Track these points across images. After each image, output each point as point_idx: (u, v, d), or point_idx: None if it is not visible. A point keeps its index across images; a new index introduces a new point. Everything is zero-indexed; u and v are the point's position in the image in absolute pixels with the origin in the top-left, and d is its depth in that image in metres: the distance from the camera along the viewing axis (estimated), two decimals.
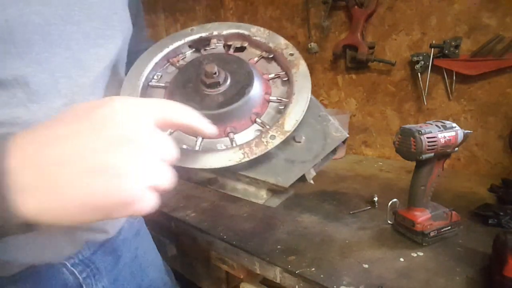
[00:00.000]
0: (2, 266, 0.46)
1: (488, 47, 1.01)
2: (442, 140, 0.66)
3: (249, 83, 0.48)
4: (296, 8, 1.41)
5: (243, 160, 0.43)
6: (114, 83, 0.51)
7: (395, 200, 0.79)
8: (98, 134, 0.28)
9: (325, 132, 0.50)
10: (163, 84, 0.52)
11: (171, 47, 0.54)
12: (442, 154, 0.69)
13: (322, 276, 0.62)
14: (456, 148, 0.70)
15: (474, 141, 1.10)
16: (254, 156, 0.43)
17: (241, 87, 0.47)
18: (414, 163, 0.71)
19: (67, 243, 0.51)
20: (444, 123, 0.69)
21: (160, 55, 0.53)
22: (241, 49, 0.56)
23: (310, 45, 1.33)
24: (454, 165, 1.16)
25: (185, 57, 0.55)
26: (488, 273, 0.60)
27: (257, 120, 0.48)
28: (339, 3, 1.27)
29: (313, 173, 0.50)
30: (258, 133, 0.47)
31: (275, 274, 0.68)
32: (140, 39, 0.60)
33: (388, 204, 0.79)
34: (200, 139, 0.47)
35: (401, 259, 0.66)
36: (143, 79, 0.50)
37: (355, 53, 1.23)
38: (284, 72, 0.53)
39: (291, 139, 0.47)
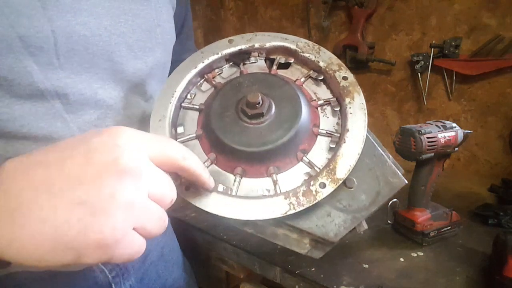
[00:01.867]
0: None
1: (488, 47, 1.01)
2: (442, 140, 0.66)
3: (296, 114, 0.41)
4: (296, 8, 1.41)
5: (288, 213, 0.37)
6: (151, 95, 0.51)
7: (395, 200, 0.79)
8: (86, 162, 0.25)
9: (379, 176, 0.42)
10: (197, 106, 0.46)
11: (206, 62, 0.47)
12: (442, 154, 0.69)
13: (322, 276, 0.62)
14: (456, 148, 0.70)
15: (474, 141, 1.10)
16: (301, 208, 0.38)
17: (287, 119, 0.41)
18: (414, 163, 0.71)
19: None
20: (444, 123, 0.69)
21: (194, 71, 0.47)
22: (286, 65, 0.48)
23: None
24: (454, 165, 1.16)
25: (221, 72, 0.49)
26: (488, 273, 0.60)
27: (304, 158, 0.41)
28: (339, 3, 1.26)
29: (365, 226, 0.43)
30: (306, 177, 0.41)
31: (275, 274, 0.68)
32: (183, 49, 0.57)
33: (388, 204, 0.79)
34: (238, 179, 0.41)
35: (401, 259, 0.66)
36: (175, 99, 0.45)
37: (355, 53, 1.23)
38: (335, 99, 0.45)
39: (341, 184, 0.40)
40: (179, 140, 0.44)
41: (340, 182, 0.38)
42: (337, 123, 0.44)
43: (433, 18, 1.10)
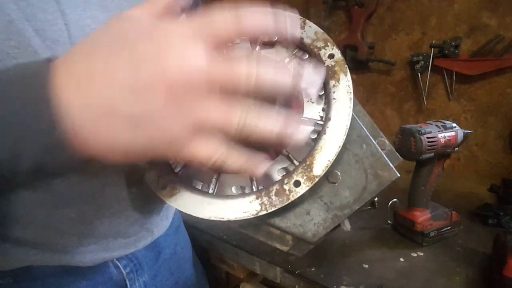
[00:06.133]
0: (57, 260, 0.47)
1: (488, 47, 1.01)
2: (442, 140, 0.66)
3: (273, 104, 0.37)
4: (296, 8, 1.40)
5: (259, 214, 0.35)
6: None
7: (395, 200, 0.79)
8: (136, 72, 0.25)
9: (367, 169, 0.38)
10: None
11: None
12: (442, 154, 0.69)
13: (322, 276, 0.62)
14: (456, 148, 0.70)
15: (474, 141, 1.10)
16: (273, 209, 0.35)
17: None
18: (414, 163, 0.71)
19: (120, 246, 0.52)
20: (444, 123, 0.69)
21: None
22: (270, 43, 0.44)
23: None
24: (454, 165, 1.16)
25: None
26: (488, 273, 0.60)
27: (284, 151, 0.38)
28: (339, 3, 1.26)
29: (348, 226, 0.40)
30: (282, 172, 0.37)
31: (275, 274, 0.68)
32: None
33: (388, 204, 0.79)
34: (215, 175, 0.39)
35: (401, 259, 0.66)
36: None
37: (355, 53, 1.22)
38: (320, 81, 0.39)
39: (323, 178, 0.36)
40: None
41: (317, 179, 0.35)
42: (323, 109, 0.39)
43: (433, 18, 1.10)
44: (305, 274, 0.63)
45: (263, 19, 0.27)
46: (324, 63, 0.39)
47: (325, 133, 0.36)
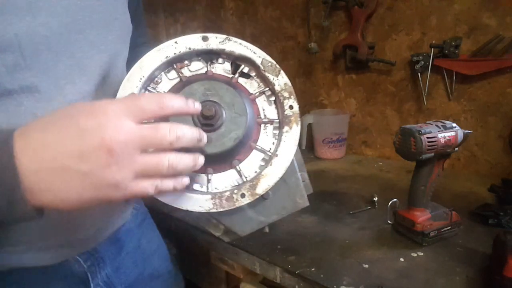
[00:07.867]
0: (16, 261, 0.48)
1: (488, 47, 1.01)
2: (442, 140, 0.66)
3: (239, 132, 0.46)
4: (296, 8, 1.41)
5: (211, 211, 0.46)
6: (116, 87, 0.52)
7: (395, 200, 0.79)
8: (80, 143, 0.32)
9: (290, 195, 0.51)
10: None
11: (178, 54, 0.49)
12: (442, 154, 0.69)
13: (322, 276, 0.62)
14: (456, 148, 0.70)
15: (474, 141, 1.10)
16: (221, 210, 0.46)
17: (230, 133, 0.46)
18: (414, 163, 0.71)
19: (81, 243, 0.53)
20: (444, 123, 0.69)
21: (164, 61, 0.48)
22: (248, 75, 0.51)
23: (310, 45, 1.33)
24: (454, 165, 1.16)
25: (189, 65, 0.51)
26: (488, 273, 0.60)
27: (237, 167, 0.48)
28: (339, 3, 1.26)
29: (267, 230, 0.54)
30: (235, 183, 0.48)
31: (275, 274, 0.68)
32: (137, 34, 0.60)
33: (388, 204, 0.79)
34: None
35: (401, 259, 0.66)
36: (142, 81, 0.47)
37: (355, 53, 1.22)
38: (278, 121, 0.49)
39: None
40: None
41: (257, 196, 0.47)
42: (273, 143, 0.49)
43: (433, 18, 1.10)
44: (305, 274, 0.63)
45: (178, 104, 0.36)
46: (285, 111, 0.49)
47: (271, 165, 0.47)
